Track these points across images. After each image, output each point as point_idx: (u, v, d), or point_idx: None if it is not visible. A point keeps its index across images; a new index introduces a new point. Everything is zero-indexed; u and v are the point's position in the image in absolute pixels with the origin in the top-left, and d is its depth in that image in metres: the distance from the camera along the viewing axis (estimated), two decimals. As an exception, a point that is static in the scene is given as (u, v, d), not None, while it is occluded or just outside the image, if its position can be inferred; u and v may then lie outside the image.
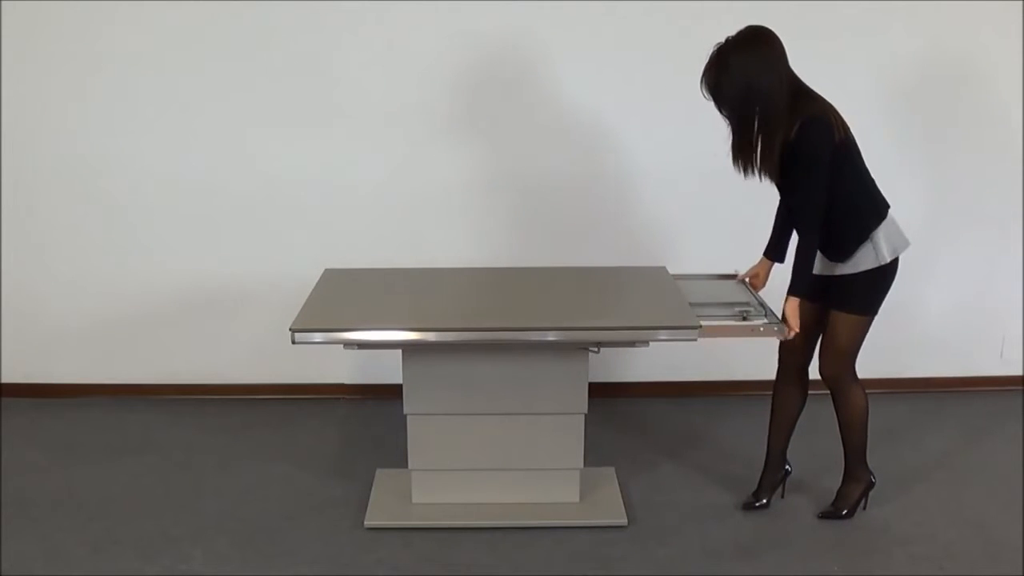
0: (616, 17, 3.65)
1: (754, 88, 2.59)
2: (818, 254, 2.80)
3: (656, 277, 3.24)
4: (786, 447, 3.16)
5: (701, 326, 2.73)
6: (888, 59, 3.69)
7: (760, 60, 2.59)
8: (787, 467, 3.19)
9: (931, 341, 4.07)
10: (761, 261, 3.12)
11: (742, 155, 2.72)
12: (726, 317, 2.92)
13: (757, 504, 3.17)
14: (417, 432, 3.04)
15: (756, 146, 2.68)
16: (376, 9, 3.63)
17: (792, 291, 2.77)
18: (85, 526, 3.08)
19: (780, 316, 2.84)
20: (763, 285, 3.12)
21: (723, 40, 2.64)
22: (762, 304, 2.97)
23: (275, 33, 3.65)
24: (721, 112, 2.68)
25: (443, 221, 3.87)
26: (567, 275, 3.39)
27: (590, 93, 3.75)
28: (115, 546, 2.96)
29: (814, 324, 2.92)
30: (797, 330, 2.79)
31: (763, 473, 3.19)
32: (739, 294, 3.11)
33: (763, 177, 2.75)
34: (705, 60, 2.65)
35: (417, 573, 2.82)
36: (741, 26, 2.65)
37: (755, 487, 3.20)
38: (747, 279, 3.16)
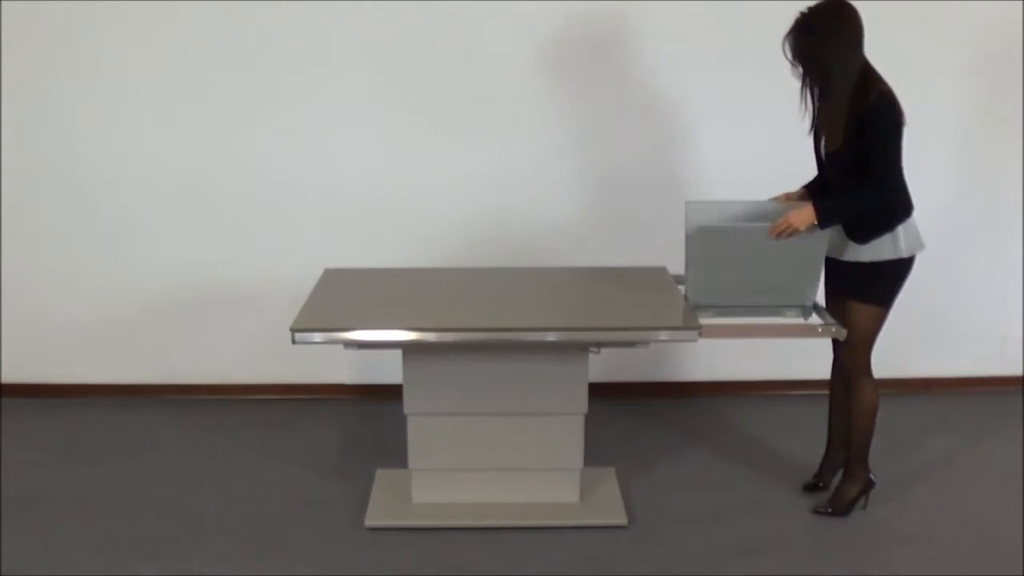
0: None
1: (836, 57, 2.66)
2: (840, 231, 2.84)
3: (656, 277, 3.24)
4: (844, 433, 3.16)
5: (701, 326, 2.73)
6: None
7: (845, 31, 2.67)
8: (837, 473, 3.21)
9: (931, 341, 4.07)
10: (800, 191, 3.07)
11: (817, 120, 2.80)
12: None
13: (820, 485, 3.22)
14: (417, 432, 3.03)
15: (829, 113, 2.75)
16: (379, 8, 3.63)
17: (818, 208, 2.75)
18: (85, 526, 3.08)
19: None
20: None
21: (807, 7, 2.69)
22: (815, 306, 2.97)
23: (275, 32, 3.65)
24: (804, 76, 2.74)
25: (444, 220, 3.87)
26: (567, 275, 3.40)
27: (592, 93, 3.75)
28: (115, 546, 2.96)
29: (842, 319, 2.94)
30: (800, 228, 2.75)
31: (824, 457, 3.25)
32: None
33: (827, 147, 2.82)
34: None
35: (417, 573, 2.82)
36: None
37: (816, 470, 3.26)
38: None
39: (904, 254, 2.82)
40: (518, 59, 3.70)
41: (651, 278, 3.23)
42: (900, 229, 2.81)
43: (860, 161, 2.74)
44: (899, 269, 2.86)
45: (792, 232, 2.76)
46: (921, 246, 2.87)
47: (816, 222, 2.75)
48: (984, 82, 3.80)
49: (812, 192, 3.04)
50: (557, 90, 3.74)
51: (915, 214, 2.85)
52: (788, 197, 3.06)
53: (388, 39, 3.68)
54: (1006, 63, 3.78)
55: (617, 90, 3.75)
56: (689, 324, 2.75)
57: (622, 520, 3.05)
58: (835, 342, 3.05)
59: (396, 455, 3.23)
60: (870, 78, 2.72)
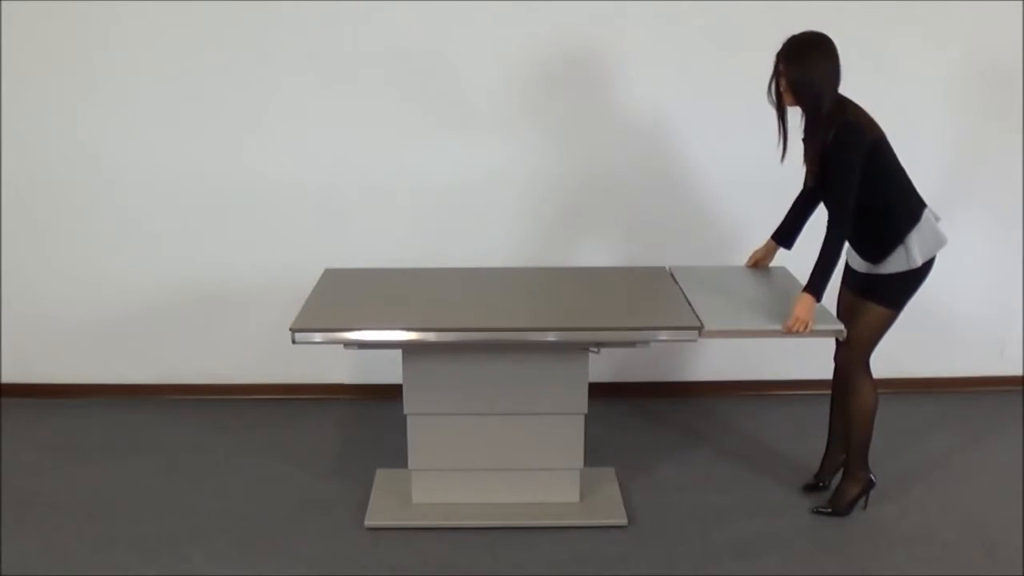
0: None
1: (818, 86, 2.71)
2: (853, 252, 2.90)
3: (656, 277, 3.24)
4: (844, 433, 3.16)
5: (701, 326, 2.74)
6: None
7: (828, 63, 2.73)
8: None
9: (932, 341, 4.07)
10: (767, 244, 3.18)
11: (803, 146, 2.84)
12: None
13: (820, 485, 3.23)
14: (417, 432, 3.04)
15: (811, 141, 2.80)
16: (379, 8, 3.63)
17: (810, 289, 2.77)
18: (85, 526, 3.08)
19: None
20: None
21: (794, 35, 2.74)
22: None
23: (275, 32, 3.65)
24: (780, 93, 2.80)
25: (444, 221, 3.87)
26: (567, 275, 3.40)
27: (594, 93, 3.76)
28: (115, 546, 2.96)
29: (851, 313, 2.96)
30: (811, 317, 2.75)
31: (824, 457, 3.26)
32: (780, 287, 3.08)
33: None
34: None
35: (417, 573, 2.83)
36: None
37: (816, 470, 3.27)
38: (754, 262, 3.24)
39: (918, 263, 2.83)
40: (519, 60, 3.70)
41: (651, 278, 3.24)
42: (913, 236, 2.81)
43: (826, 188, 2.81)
44: (913, 277, 2.87)
45: (807, 325, 2.75)
46: (941, 243, 2.88)
47: (810, 296, 2.76)
48: (984, 83, 3.80)
49: (780, 239, 3.14)
50: (559, 91, 3.74)
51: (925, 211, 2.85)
52: (758, 260, 3.20)
53: (388, 40, 3.67)
54: (1006, 64, 3.77)
55: (619, 90, 3.75)
56: (689, 324, 2.75)
57: (622, 520, 3.05)
58: (837, 340, 3.05)
59: (396, 455, 3.23)
60: (841, 110, 2.74)
